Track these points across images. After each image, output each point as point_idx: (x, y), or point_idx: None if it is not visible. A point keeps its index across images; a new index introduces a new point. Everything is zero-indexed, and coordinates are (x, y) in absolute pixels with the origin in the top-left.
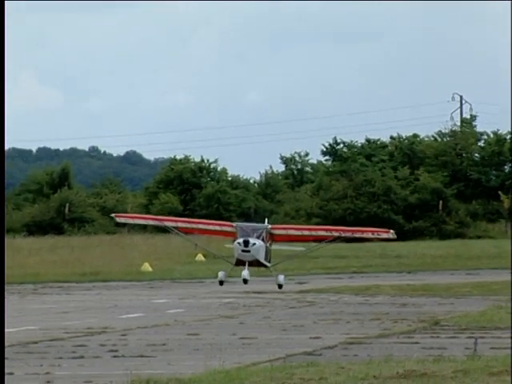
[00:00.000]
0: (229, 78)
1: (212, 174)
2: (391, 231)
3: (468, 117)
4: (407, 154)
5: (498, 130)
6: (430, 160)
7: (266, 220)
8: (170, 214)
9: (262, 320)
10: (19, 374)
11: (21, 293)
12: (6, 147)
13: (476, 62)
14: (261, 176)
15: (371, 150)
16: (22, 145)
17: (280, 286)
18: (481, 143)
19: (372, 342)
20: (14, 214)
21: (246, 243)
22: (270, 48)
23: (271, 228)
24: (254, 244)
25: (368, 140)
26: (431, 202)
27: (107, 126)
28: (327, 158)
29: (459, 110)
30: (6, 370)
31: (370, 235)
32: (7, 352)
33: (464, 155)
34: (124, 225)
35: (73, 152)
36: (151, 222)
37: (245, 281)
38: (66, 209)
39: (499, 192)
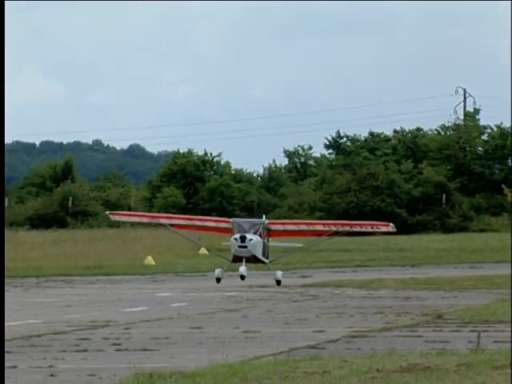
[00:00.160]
0: (232, 72)
1: (215, 167)
2: (391, 224)
3: (471, 110)
4: (410, 147)
5: (502, 124)
6: (434, 153)
7: (264, 216)
8: (173, 207)
9: (266, 313)
10: (23, 368)
11: (24, 286)
12: (10, 141)
13: (480, 56)
14: (264, 169)
15: (374, 144)
16: (25, 138)
17: (278, 282)
18: (484, 137)
19: (375, 335)
20: (17, 208)
21: (243, 239)
22: (274, 42)
23: (268, 223)
24: (251, 239)
25: (371, 133)
26: (435, 196)
27: (111, 119)
28: (330, 151)
29: (463, 104)
30: (10, 364)
31: (369, 229)
32: (10, 345)
33: (467, 149)
34: None
35: (76, 145)
36: (146, 220)
37: (242, 277)
38: (70, 202)
39: (502, 185)
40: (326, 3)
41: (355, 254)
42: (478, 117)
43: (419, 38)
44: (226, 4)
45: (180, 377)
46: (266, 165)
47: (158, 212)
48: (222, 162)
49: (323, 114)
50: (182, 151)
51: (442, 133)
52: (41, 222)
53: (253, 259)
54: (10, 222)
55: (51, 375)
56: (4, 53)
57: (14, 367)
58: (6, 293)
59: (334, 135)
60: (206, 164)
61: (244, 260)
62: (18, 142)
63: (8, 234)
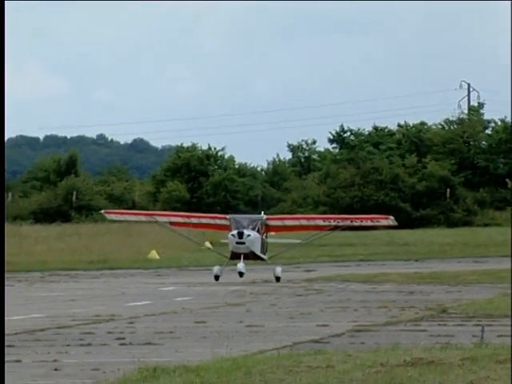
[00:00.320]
0: (236, 67)
1: (219, 161)
2: (391, 217)
3: (475, 104)
4: (415, 141)
5: (506, 118)
6: (438, 148)
7: (263, 212)
8: (177, 202)
9: (269, 308)
10: (27, 362)
11: (28, 280)
12: (14, 135)
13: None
14: (268, 164)
15: (378, 138)
16: (29, 132)
17: (278, 279)
18: (488, 131)
19: (379, 329)
20: (21, 202)
21: (241, 235)
22: (278, 37)
23: (267, 219)
24: (249, 235)
25: (375, 128)
26: (439, 190)
27: (114, 113)
28: (334, 145)
29: (467, 98)
30: (14, 358)
31: (369, 222)
32: (14, 340)
33: (471, 143)
34: None
35: (80, 140)
36: (143, 218)
37: (240, 274)
38: (74, 196)
39: (507, 180)
40: (329, 2)
41: (359, 249)
42: (482, 111)
43: (423, 32)
44: (228, 1)
45: (184, 371)
46: (270, 159)
47: (162, 206)
48: (226, 157)
49: (327, 108)
50: (185, 145)
51: (446, 127)
52: (45, 216)
53: (251, 256)
54: (14, 216)
55: (55, 369)
56: (4, 52)
57: (18, 361)
58: (10, 287)
59: (337, 129)
60: (210, 158)
61: (242, 257)
62: (22, 137)
63: (12, 228)
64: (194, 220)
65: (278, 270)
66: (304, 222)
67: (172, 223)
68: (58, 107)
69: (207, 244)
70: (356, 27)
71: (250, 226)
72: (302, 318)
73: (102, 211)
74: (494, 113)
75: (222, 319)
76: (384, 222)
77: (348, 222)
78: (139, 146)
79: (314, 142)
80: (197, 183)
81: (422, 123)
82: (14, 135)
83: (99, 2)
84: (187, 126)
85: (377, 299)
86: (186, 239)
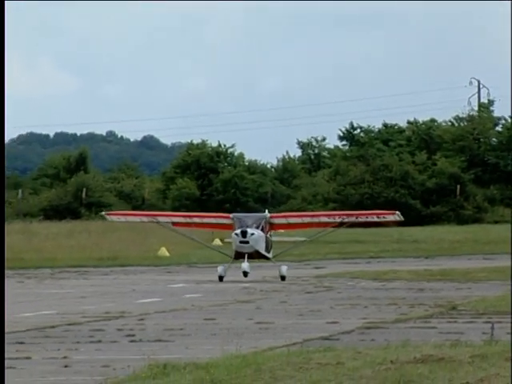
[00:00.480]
0: (246, 64)
1: (229, 158)
2: (397, 213)
3: (486, 101)
4: (424, 138)
5: None
6: (448, 145)
7: (267, 210)
8: (187, 199)
9: (279, 305)
10: (37, 359)
11: (38, 277)
12: (24, 132)
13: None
14: (278, 161)
15: (388, 135)
16: (39, 129)
17: (283, 278)
18: (498, 128)
19: (389, 326)
20: (31, 199)
21: (244, 234)
22: (287, 33)
23: (270, 217)
24: (253, 234)
25: (385, 125)
26: (449, 187)
27: (124, 110)
28: (344, 142)
29: (477, 95)
30: (24, 355)
31: (374, 218)
32: (24, 336)
33: (481, 140)
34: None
35: (90, 137)
36: (144, 219)
37: (245, 273)
38: (83, 193)
39: None
40: None
41: (369, 246)
42: (492, 108)
43: (434, 29)
44: None
45: (194, 368)
46: (280, 156)
47: (172, 203)
48: (236, 154)
49: (337, 105)
50: (195, 142)
51: (456, 124)
52: (55, 213)
53: (255, 255)
54: (24, 212)
55: (65, 366)
56: (4, 52)
57: (28, 358)
58: (20, 284)
59: (347, 126)
60: (219, 155)
61: (246, 256)
62: (32, 134)
63: (22, 225)
64: (196, 220)
65: (284, 268)
66: (308, 220)
67: (174, 223)
68: (68, 104)
69: (217, 241)
70: (366, 24)
71: (254, 225)
72: (311, 315)
73: (103, 213)
74: (504, 110)
75: (232, 316)
76: (390, 218)
77: (353, 219)
78: (149, 142)
79: (324, 139)
80: (207, 180)
81: (432, 120)
82: (24, 132)
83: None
84: (197, 123)
85: (386, 296)
86: (199, 233)
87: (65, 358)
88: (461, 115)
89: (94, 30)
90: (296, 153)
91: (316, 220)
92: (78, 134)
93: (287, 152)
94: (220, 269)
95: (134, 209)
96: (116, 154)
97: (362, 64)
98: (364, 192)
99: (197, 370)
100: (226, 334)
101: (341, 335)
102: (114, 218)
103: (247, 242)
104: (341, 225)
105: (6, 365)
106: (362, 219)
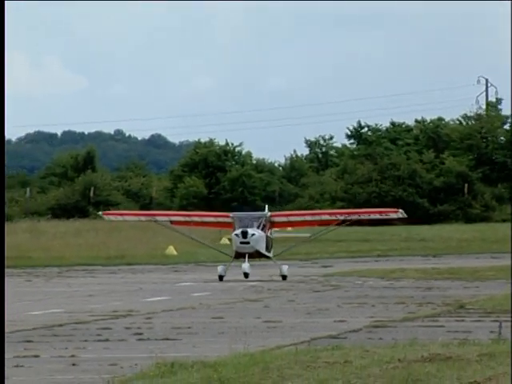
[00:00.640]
0: (253, 62)
1: (237, 157)
2: (400, 210)
3: (493, 100)
4: (432, 137)
5: None
6: (456, 143)
7: (266, 207)
8: (194, 197)
9: (287, 303)
10: (45, 357)
11: (46, 276)
12: (32, 131)
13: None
14: (285, 159)
15: (396, 134)
16: (47, 128)
17: (284, 277)
18: (506, 126)
19: (397, 325)
20: (39, 198)
21: (245, 234)
22: (294, 32)
23: (271, 216)
24: (254, 234)
25: (393, 123)
26: (456, 186)
27: (132, 109)
28: (352, 141)
29: (485, 94)
30: (32, 353)
31: (377, 216)
32: (32, 335)
33: (489, 138)
34: (149, 208)
35: (98, 135)
36: (143, 218)
37: (245, 274)
38: (91, 192)
39: None
40: None
41: (376, 244)
42: (499, 106)
43: (442, 28)
44: None
45: (201, 366)
46: (288, 155)
47: (180, 202)
48: (244, 152)
49: (344, 103)
50: (203, 141)
51: (464, 123)
52: (62, 211)
53: (256, 254)
54: (32, 211)
55: (73, 364)
56: (4, 52)
57: (36, 356)
58: (28, 282)
59: (355, 125)
60: (227, 154)
61: (247, 256)
62: (39, 132)
63: (30, 223)
64: (195, 218)
65: (284, 268)
66: (309, 218)
67: (173, 222)
68: (75, 103)
69: (225, 240)
70: (376, 18)
71: (255, 224)
72: (319, 314)
73: (100, 213)
74: None
75: (240, 315)
76: (393, 216)
77: (356, 216)
78: (157, 141)
79: (332, 138)
80: (214, 179)
81: (440, 119)
82: (31, 131)
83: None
84: (205, 122)
85: (394, 295)
86: (207, 232)
87: (72, 356)
88: (469, 114)
89: (102, 29)
90: (304, 151)
91: (317, 218)
92: (86, 133)
93: (295, 151)
94: (220, 268)
95: (141, 207)
96: (124, 153)
97: (370, 63)
98: (372, 191)
99: (204, 368)
100: (233, 333)
101: (348, 334)
102: (112, 217)
103: (248, 243)
104: (343, 222)
105: (16, 363)
106: (364, 217)
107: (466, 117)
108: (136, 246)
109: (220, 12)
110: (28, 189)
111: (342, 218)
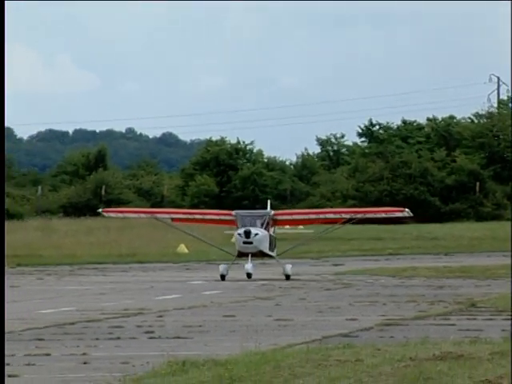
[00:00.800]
0: (265, 60)
1: (248, 155)
2: (406, 209)
3: (505, 98)
4: (444, 135)
5: None
6: (467, 142)
7: (269, 202)
8: (205, 195)
9: (298, 302)
10: (56, 355)
11: (58, 274)
12: (43, 129)
13: None
14: (297, 158)
15: (407, 132)
16: (58, 127)
17: (287, 277)
18: None
19: (408, 323)
20: (50, 196)
21: (248, 234)
22: (306, 30)
23: (274, 214)
24: (257, 234)
25: (404, 121)
26: (468, 184)
27: (144, 107)
28: (363, 139)
29: (496, 92)
30: (43, 351)
31: (382, 215)
32: (44, 333)
33: (501, 137)
34: (160, 206)
35: (109, 134)
36: (143, 216)
37: (248, 275)
38: (103, 190)
39: None
40: None
41: (388, 243)
42: (511, 104)
43: (454, 25)
44: None
45: (213, 365)
46: (299, 153)
47: (191, 200)
48: (255, 150)
49: (356, 102)
50: (214, 139)
51: (476, 121)
52: (74, 209)
53: (259, 254)
54: (43, 209)
55: (84, 363)
56: (4, 51)
57: (48, 355)
58: (39, 280)
59: (366, 123)
60: (238, 152)
61: (250, 256)
62: (51, 131)
63: (41, 221)
64: (197, 216)
65: (288, 267)
66: (313, 217)
67: (173, 219)
68: (87, 101)
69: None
70: (388, 16)
71: (258, 222)
72: (330, 312)
73: (100, 210)
74: None
75: (251, 313)
76: (398, 215)
77: (361, 215)
78: (168, 139)
79: (343, 136)
80: (225, 177)
81: (451, 117)
82: (43, 129)
83: None
84: (216, 120)
85: (406, 293)
86: (218, 229)
87: (84, 354)
88: (480, 112)
89: (114, 28)
90: (315, 150)
91: (321, 217)
92: (97, 131)
93: (306, 149)
94: (222, 267)
95: (153, 206)
96: (135, 151)
97: (381, 61)
98: (383, 189)
99: (216, 366)
100: (245, 331)
101: (360, 332)
102: (112, 214)
103: (251, 243)
104: (349, 221)
105: (27, 361)
106: (369, 216)
107: (477, 115)
108: (147, 244)
109: (232, 11)
110: (39, 187)
111: (346, 216)
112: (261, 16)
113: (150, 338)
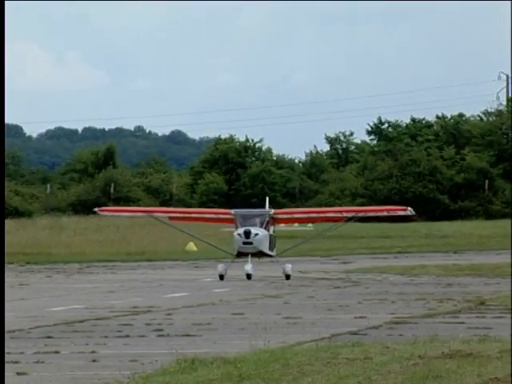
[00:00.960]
0: (274, 58)
1: (257, 153)
2: (409, 208)
3: None
4: (453, 133)
5: None
6: (476, 139)
7: (268, 201)
8: (214, 193)
9: (307, 300)
10: (65, 353)
11: (66, 272)
12: (52, 127)
13: None
14: (306, 156)
15: (416, 130)
16: (67, 124)
17: (287, 277)
18: None
19: (417, 321)
20: (59, 194)
21: (248, 234)
22: (316, 28)
23: (274, 213)
24: (257, 234)
25: (413, 119)
26: (477, 182)
27: (152, 105)
28: (372, 137)
29: (505, 89)
30: (52, 349)
31: (384, 214)
32: (53, 331)
33: (510, 134)
34: (169, 204)
35: (118, 132)
36: (139, 214)
37: (248, 276)
38: (112, 188)
39: None
40: None
41: (397, 241)
42: None
43: (462, 23)
44: None
45: (222, 363)
46: (308, 151)
47: (200, 198)
48: (264, 148)
49: (365, 100)
50: (223, 137)
51: (485, 119)
52: (83, 207)
53: (258, 254)
54: (52, 207)
55: (93, 361)
56: (4, 51)
57: (57, 352)
58: (48, 278)
59: (375, 121)
60: (247, 150)
61: (249, 256)
62: (60, 129)
63: (50, 219)
64: (195, 215)
65: (288, 267)
66: (314, 215)
67: (171, 218)
68: (96, 99)
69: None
70: (394, 15)
71: (257, 221)
72: (339, 310)
73: (96, 209)
74: None
75: (260, 311)
76: (401, 213)
77: (363, 214)
78: (177, 137)
79: (352, 134)
80: (234, 175)
81: (461, 115)
82: (52, 127)
83: None
84: (225, 118)
85: (415, 291)
86: (227, 227)
87: (93, 352)
88: (489, 110)
89: (123, 25)
90: (324, 147)
91: (323, 215)
92: (106, 129)
93: (315, 147)
94: (220, 267)
95: (161, 204)
96: (144, 149)
97: (390, 58)
98: (392, 187)
99: (225, 364)
100: (253, 329)
101: (369, 330)
102: (107, 213)
103: (251, 243)
104: (350, 219)
105: (36, 359)
106: (371, 214)
107: (486, 113)
108: (156, 242)
109: (244, 10)
110: (48, 185)
111: (348, 215)
112: (271, 15)
113: (159, 335)
